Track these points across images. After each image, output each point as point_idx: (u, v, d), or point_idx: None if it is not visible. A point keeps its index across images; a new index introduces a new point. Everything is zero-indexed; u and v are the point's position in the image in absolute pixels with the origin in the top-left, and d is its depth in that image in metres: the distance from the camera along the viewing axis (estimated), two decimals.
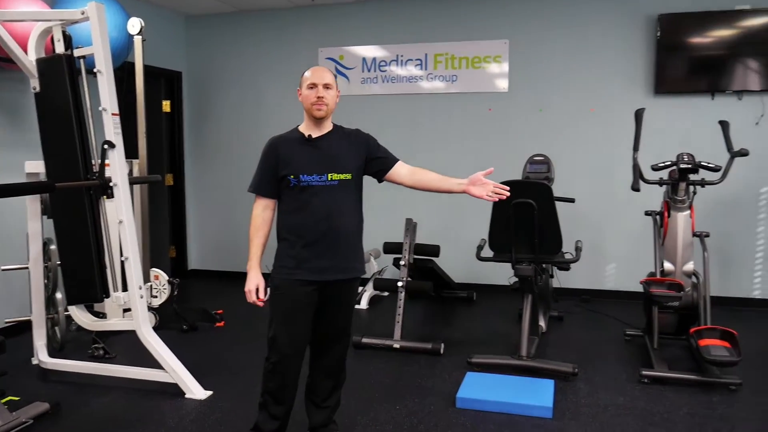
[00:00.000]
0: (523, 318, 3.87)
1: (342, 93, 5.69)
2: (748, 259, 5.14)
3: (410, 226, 4.51)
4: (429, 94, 5.71)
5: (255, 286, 2.62)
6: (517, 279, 3.93)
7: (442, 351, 4.04)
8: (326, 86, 2.56)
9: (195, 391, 3.39)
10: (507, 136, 5.54)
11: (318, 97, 2.55)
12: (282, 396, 2.68)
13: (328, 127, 2.66)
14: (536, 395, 3.28)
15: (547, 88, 5.43)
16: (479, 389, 3.35)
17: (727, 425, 3.06)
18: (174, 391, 3.40)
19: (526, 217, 3.60)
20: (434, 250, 4.83)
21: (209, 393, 3.42)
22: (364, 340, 4.14)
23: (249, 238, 2.66)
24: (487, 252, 4.01)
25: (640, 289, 3.99)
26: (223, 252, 6.36)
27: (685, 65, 5.09)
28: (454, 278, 5.36)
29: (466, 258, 5.37)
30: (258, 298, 2.62)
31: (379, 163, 2.67)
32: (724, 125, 4.13)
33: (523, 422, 3.07)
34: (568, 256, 4.00)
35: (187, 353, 3.77)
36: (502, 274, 5.08)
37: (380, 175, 2.70)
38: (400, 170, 2.68)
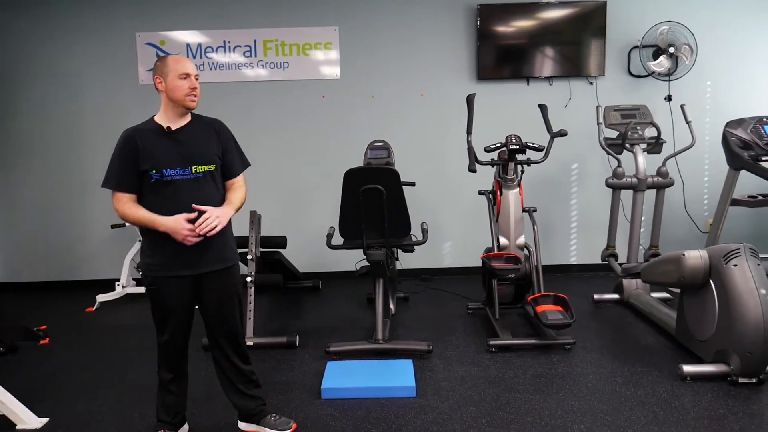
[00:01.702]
0: (377, 302, 3.93)
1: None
2: (564, 229, 5.69)
3: (255, 219, 4.37)
4: (260, 81, 5.54)
5: (182, 222, 2.44)
6: (365, 264, 3.97)
7: (297, 343, 3.97)
8: (197, 77, 2.52)
9: (27, 420, 3.00)
10: (343, 123, 5.56)
11: (192, 88, 2.48)
12: (176, 383, 2.75)
13: (187, 117, 2.56)
14: (398, 376, 3.35)
15: (379, 74, 5.53)
16: (342, 378, 3.35)
17: (568, 381, 3.36)
18: (2, 423, 2.98)
19: (376, 203, 3.64)
20: (281, 242, 4.73)
21: (45, 420, 3.04)
22: None
23: (136, 219, 2.50)
24: (337, 239, 4.00)
25: (475, 264, 4.22)
26: (38, 261, 5.64)
27: (503, 53, 5.47)
28: (298, 268, 5.30)
29: (309, 247, 5.34)
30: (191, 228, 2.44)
31: (224, 168, 2.67)
32: (543, 108, 4.50)
33: (389, 404, 3.12)
34: (414, 239, 4.12)
35: (11, 378, 3.34)
36: (346, 260, 5.12)
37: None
38: (231, 184, 2.70)
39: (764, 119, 4.48)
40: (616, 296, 4.71)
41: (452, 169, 5.40)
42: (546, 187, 5.56)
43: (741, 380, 3.19)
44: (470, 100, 4.33)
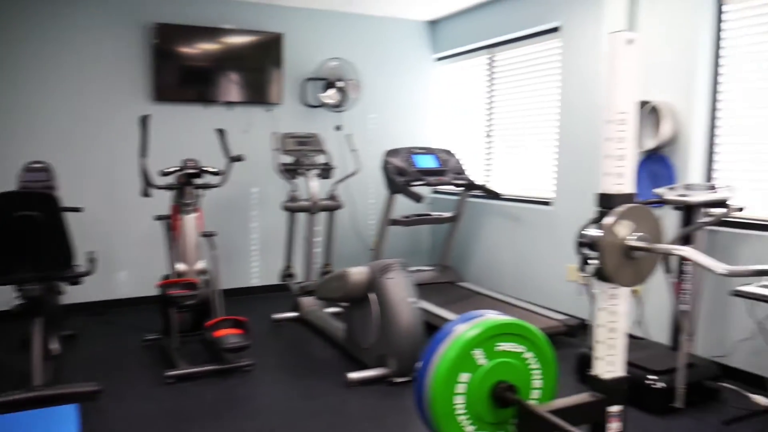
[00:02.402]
0: (33, 344, 3.48)
1: None
2: (245, 251, 5.77)
3: None
4: None
5: None
6: (20, 302, 3.51)
7: None
8: None
9: None
10: None
11: None
12: None
13: None
14: (58, 426, 2.99)
15: (44, 87, 4.95)
16: None
17: (247, 403, 3.40)
18: None
19: (31, 232, 3.24)
20: None
21: None
22: None
23: None
24: None
25: (154, 293, 4.05)
26: None
27: (182, 75, 5.35)
28: None
29: None
30: None
31: None
32: (221, 133, 4.53)
33: None
34: (80, 270, 3.77)
35: None
36: None
37: None
38: None
39: (414, 150, 5.17)
40: (294, 314, 4.93)
41: (126, 194, 5.10)
42: (227, 211, 5.59)
43: (397, 380, 3.60)
44: (144, 121, 4.15)
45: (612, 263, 1.96)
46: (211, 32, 5.39)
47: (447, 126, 6.35)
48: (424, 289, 5.07)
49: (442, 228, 5.83)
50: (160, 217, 4.38)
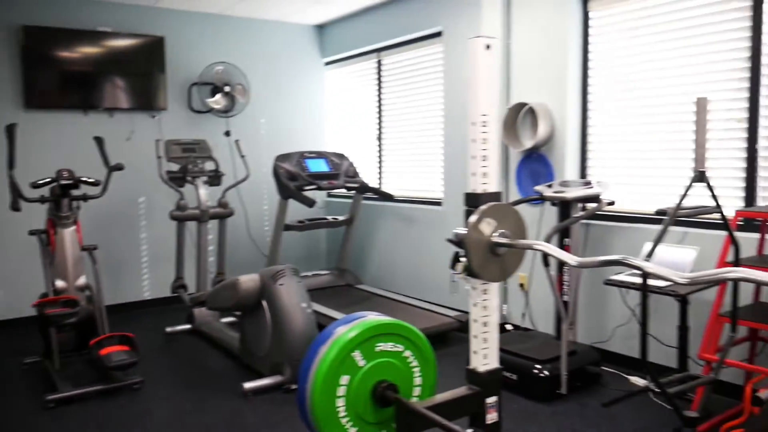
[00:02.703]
0: None
1: None
2: (135, 264, 5.54)
3: None
4: None
5: None
6: None
7: None
8: None
9: None
10: None
11: None
12: None
13: None
14: None
15: None
16: None
17: (136, 422, 3.26)
18: None
19: None
20: None
21: None
22: None
23: None
24: None
25: (32, 313, 3.82)
26: None
27: (57, 80, 5.06)
28: None
29: None
30: None
31: None
32: (99, 141, 4.33)
33: None
34: None
35: None
36: None
37: None
38: None
39: (305, 154, 5.15)
40: (188, 326, 4.78)
41: None
42: (113, 223, 5.35)
43: (293, 387, 3.57)
44: (11, 130, 3.91)
45: (478, 260, 2.03)
46: (88, 35, 5.13)
47: (339, 129, 6.38)
48: (322, 293, 5.08)
49: (338, 232, 5.85)
50: (33, 232, 4.13)
